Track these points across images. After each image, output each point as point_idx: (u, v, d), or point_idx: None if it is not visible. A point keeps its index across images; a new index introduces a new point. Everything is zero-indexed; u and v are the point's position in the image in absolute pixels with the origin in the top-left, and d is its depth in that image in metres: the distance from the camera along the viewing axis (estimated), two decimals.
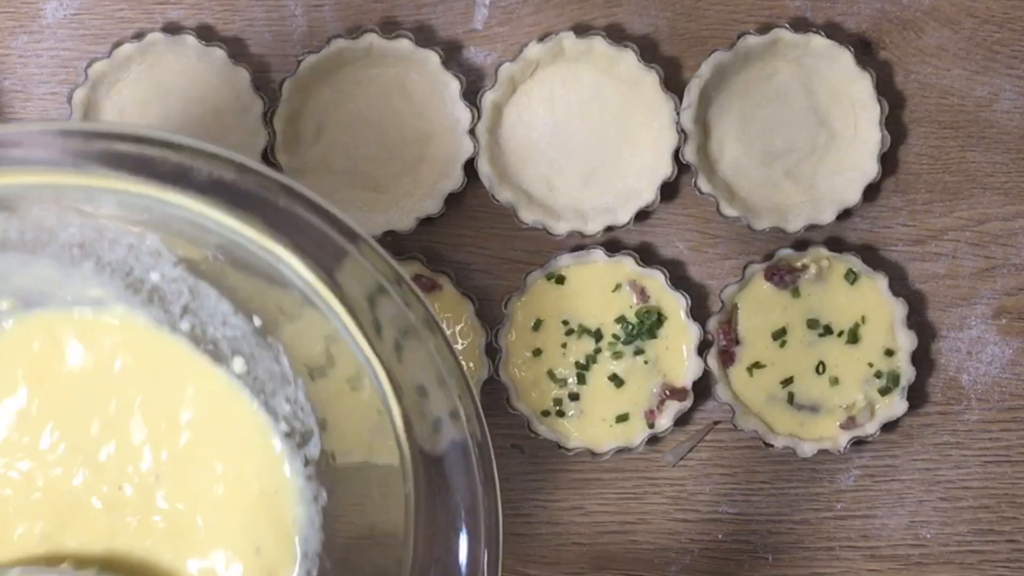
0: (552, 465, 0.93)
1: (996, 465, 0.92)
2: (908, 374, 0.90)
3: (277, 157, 0.89)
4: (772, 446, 0.91)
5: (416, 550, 0.65)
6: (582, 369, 0.90)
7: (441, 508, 0.65)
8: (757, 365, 0.91)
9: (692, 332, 0.90)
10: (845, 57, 0.89)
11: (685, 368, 0.90)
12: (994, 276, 0.92)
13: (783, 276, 0.90)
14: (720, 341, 0.90)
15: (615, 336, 0.90)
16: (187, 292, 0.73)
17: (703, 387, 0.91)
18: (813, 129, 0.90)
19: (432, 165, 0.90)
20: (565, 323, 0.90)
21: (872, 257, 0.91)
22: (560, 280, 0.90)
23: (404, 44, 0.89)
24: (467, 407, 0.66)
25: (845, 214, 0.90)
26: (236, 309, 0.73)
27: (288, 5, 0.91)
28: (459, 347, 0.91)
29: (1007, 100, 0.91)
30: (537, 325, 0.91)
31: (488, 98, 0.89)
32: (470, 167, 0.90)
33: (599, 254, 0.90)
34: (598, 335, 0.90)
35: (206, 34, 0.90)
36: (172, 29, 0.89)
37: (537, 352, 0.91)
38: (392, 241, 0.91)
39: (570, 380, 0.91)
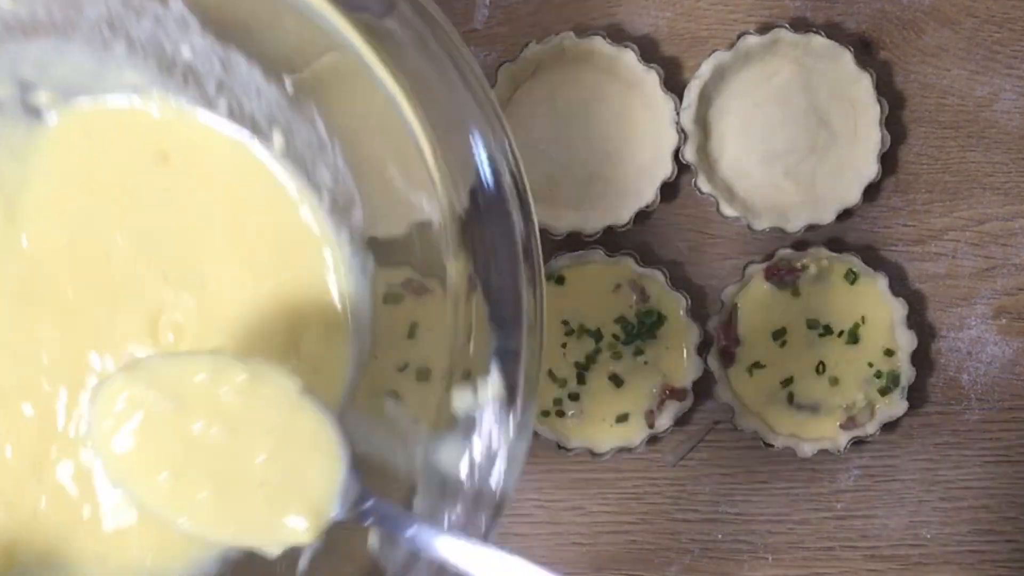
0: (552, 465, 0.93)
1: (996, 465, 0.92)
2: (908, 374, 0.90)
3: None
4: (772, 446, 0.91)
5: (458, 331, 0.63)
6: (582, 369, 0.90)
7: (489, 244, 0.63)
8: (757, 365, 0.91)
9: (692, 332, 0.90)
10: (845, 57, 0.89)
11: (685, 368, 0.90)
12: (994, 276, 0.92)
13: (783, 276, 0.90)
14: (720, 341, 0.90)
15: (615, 336, 0.90)
16: (218, 65, 0.71)
17: (703, 387, 0.91)
18: (813, 129, 0.90)
19: None
20: (565, 323, 0.90)
21: (872, 257, 0.91)
22: (560, 280, 0.90)
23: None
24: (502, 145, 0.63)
25: (845, 214, 0.90)
26: (267, 75, 0.70)
27: None
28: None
29: (1007, 100, 0.91)
30: None
31: None
32: None
33: (599, 254, 0.90)
34: (598, 335, 0.90)
35: None
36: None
37: None
38: None
39: (570, 380, 0.91)
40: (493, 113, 0.64)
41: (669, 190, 0.90)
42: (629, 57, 0.89)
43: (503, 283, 0.63)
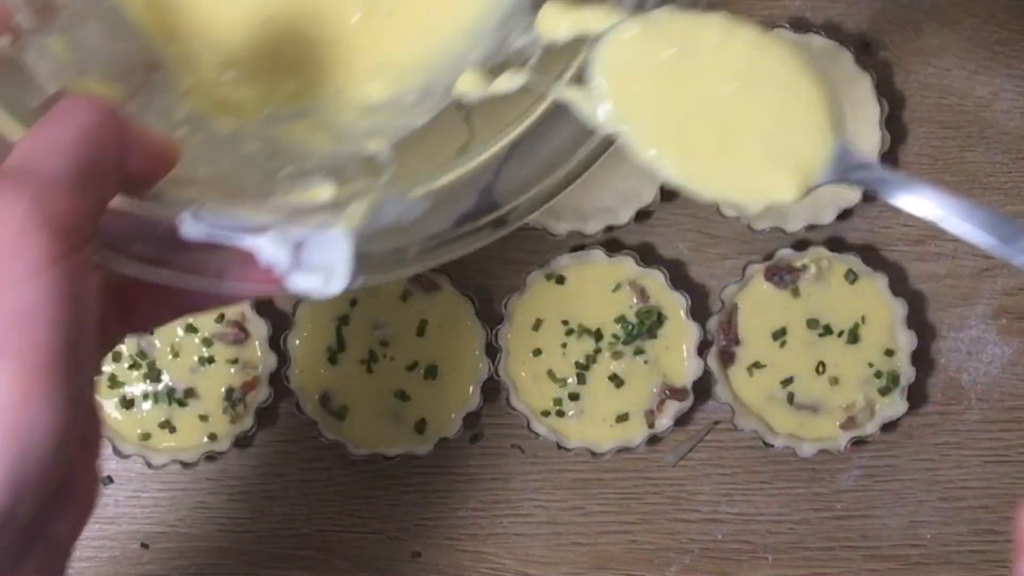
0: (552, 465, 0.93)
1: (996, 465, 0.92)
2: (908, 374, 0.90)
3: None
4: (772, 446, 0.91)
5: None
6: (582, 369, 0.90)
7: None
8: (757, 365, 0.91)
9: (692, 332, 0.90)
10: (845, 57, 0.89)
11: (685, 368, 0.90)
12: (994, 276, 0.92)
13: (783, 276, 0.90)
14: (720, 341, 0.90)
15: (615, 336, 0.90)
16: None
17: (703, 387, 0.91)
18: None
19: None
20: (565, 323, 0.90)
21: (872, 257, 0.91)
22: (560, 280, 0.90)
23: None
24: None
25: (845, 214, 0.90)
26: None
27: None
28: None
29: (1007, 100, 0.91)
30: (537, 325, 0.90)
31: None
32: None
33: (599, 254, 0.90)
34: (598, 335, 0.90)
35: None
36: None
37: (537, 352, 0.91)
38: None
39: (570, 380, 0.91)
40: None
41: (669, 190, 0.90)
42: None
43: None
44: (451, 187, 0.64)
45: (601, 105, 0.61)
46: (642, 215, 0.90)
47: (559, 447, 0.91)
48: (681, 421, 0.91)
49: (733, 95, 0.60)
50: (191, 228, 0.58)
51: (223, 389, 0.90)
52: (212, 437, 0.91)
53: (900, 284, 0.91)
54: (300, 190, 0.63)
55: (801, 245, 0.91)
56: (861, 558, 0.93)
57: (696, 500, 0.93)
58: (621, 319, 0.90)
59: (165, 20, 0.69)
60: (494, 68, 0.66)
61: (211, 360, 0.90)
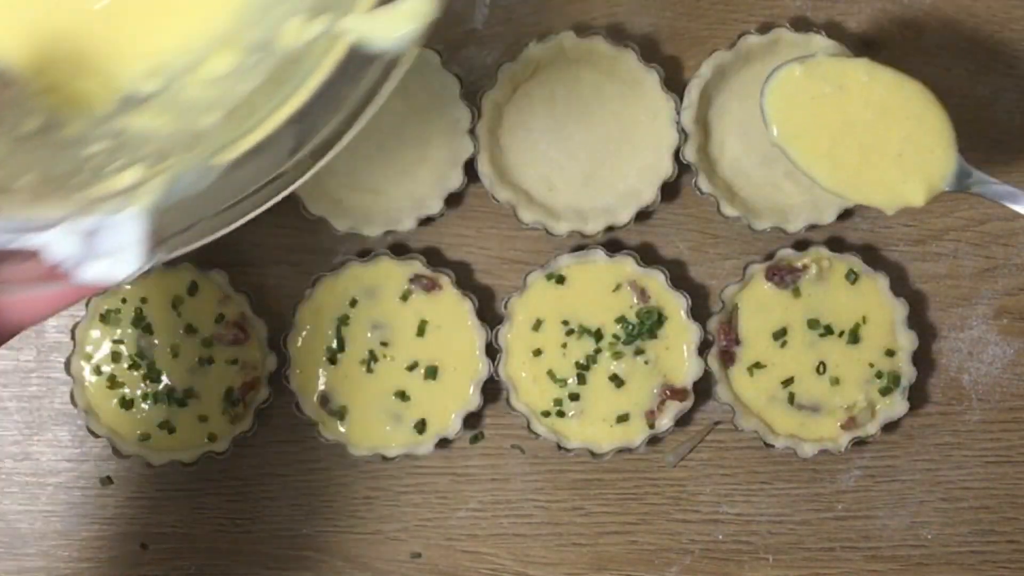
0: (552, 465, 0.93)
1: (997, 465, 0.92)
2: (909, 374, 0.90)
3: None
4: (773, 446, 0.91)
5: None
6: (582, 369, 0.90)
7: None
8: (758, 365, 0.91)
9: (692, 332, 0.90)
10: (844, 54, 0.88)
11: (685, 368, 0.90)
12: (995, 276, 0.92)
13: (784, 276, 0.90)
14: (721, 341, 0.90)
15: (615, 336, 0.90)
16: None
17: (703, 387, 0.91)
18: None
19: (432, 165, 0.90)
20: (565, 323, 0.90)
21: (873, 257, 0.91)
22: (560, 280, 0.90)
23: None
24: None
25: (846, 214, 0.90)
26: None
27: None
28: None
29: (1008, 100, 0.91)
30: (537, 325, 0.90)
31: (488, 98, 0.89)
32: (470, 167, 0.90)
33: (599, 254, 0.90)
34: (598, 335, 0.90)
35: None
36: None
37: (537, 352, 0.91)
38: (392, 241, 0.91)
39: (570, 380, 0.90)
40: None
41: (669, 190, 0.90)
42: (629, 57, 0.89)
43: None
44: (249, 150, 0.65)
45: (772, 127, 0.82)
46: (642, 215, 0.90)
47: (559, 447, 0.91)
48: (681, 421, 0.91)
49: (874, 122, 0.81)
50: None
51: (223, 389, 0.90)
52: (212, 437, 0.91)
53: (901, 284, 0.91)
54: (107, 179, 0.62)
55: (802, 245, 0.90)
56: (862, 559, 0.93)
57: (696, 500, 0.93)
58: (621, 319, 0.90)
59: None
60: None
61: (211, 360, 0.90)
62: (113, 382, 0.90)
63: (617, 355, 0.90)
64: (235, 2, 0.70)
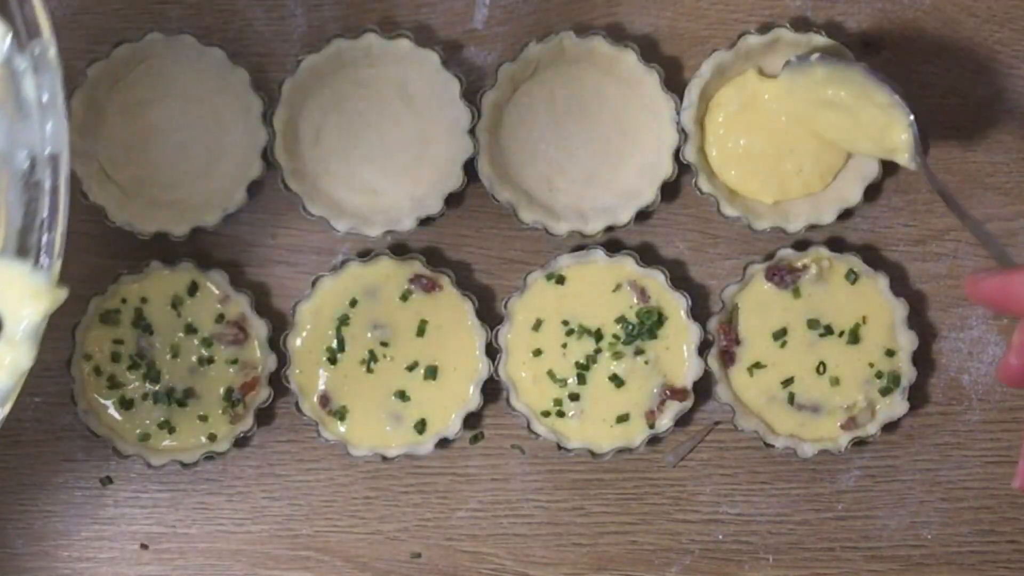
0: (552, 465, 0.93)
1: (997, 466, 0.92)
2: (909, 374, 0.90)
3: (276, 157, 0.89)
4: (773, 446, 0.91)
5: None
6: (582, 369, 0.90)
7: None
8: (758, 365, 0.91)
9: (692, 332, 0.90)
10: (844, 55, 0.88)
11: (685, 368, 0.90)
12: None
13: (784, 276, 0.90)
14: (720, 341, 0.90)
15: (615, 336, 0.90)
16: None
17: (703, 387, 0.91)
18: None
19: (432, 165, 0.90)
20: (565, 323, 0.90)
21: (873, 257, 0.91)
22: (560, 280, 0.90)
23: (404, 44, 0.89)
24: None
25: (846, 214, 0.90)
26: None
27: (288, 5, 0.90)
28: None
29: (1008, 100, 0.91)
30: (537, 325, 0.90)
31: (488, 98, 0.89)
32: (470, 167, 0.90)
33: (599, 254, 0.90)
34: (598, 335, 0.90)
35: (205, 34, 0.90)
36: (171, 29, 0.89)
37: (537, 352, 0.91)
38: (392, 241, 0.91)
39: (570, 380, 0.90)
40: None
41: (669, 190, 0.90)
42: (629, 57, 0.89)
43: None
44: None
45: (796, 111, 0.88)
46: (642, 215, 0.90)
47: (559, 447, 0.91)
48: (681, 421, 0.91)
49: (852, 104, 0.86)
50: None
51: (223, 389, 0.90)
52: (212, 437, 0.91)
53: (901, 284, 0.91)
54: None
55: (802, 245, 0.90)
56: (862, 559, 0.93)
57: (697, 501, 0.93)
58: (621, 319, 0.90)
59: None
60: None
61: (211, 360, 0.90)
62: (113, 382, 0.90)
63: (617, 355, 0.90)
64: None
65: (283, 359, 0.91)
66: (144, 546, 0.93)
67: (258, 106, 0.89)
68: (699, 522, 0.93)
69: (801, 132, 0.89)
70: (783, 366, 0.91)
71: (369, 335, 0.90)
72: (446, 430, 0.91)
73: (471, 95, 0.89)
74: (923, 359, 0.91)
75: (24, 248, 0.64)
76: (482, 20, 0.91)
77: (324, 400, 0.91)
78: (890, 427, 0.91)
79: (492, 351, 0.91)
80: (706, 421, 0.92)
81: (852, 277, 0.90)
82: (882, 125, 0.84)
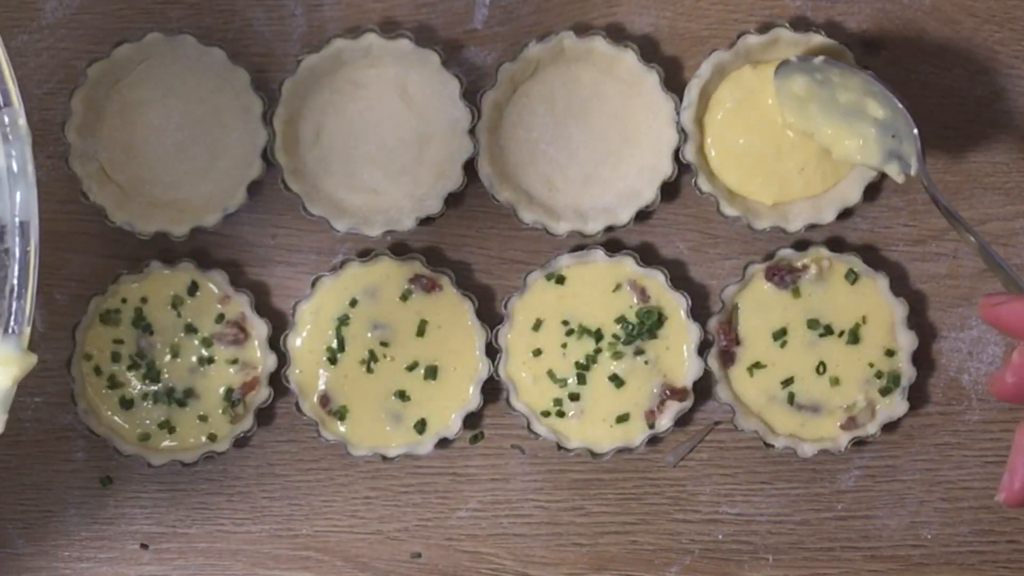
0: (552, 465, 0.93)
1: (997, 466, 0.92)
2: (909, 374, 0.90)
3: (276, 157, 0.89)
4: (772, 446, 0.91)
5: None
6: (582, 369, 0.90)
7: None
8: (757, 365, 0.91)
9: (692, 332, 0.90)
10: (845, 57, 0.88)
11: (685, 368, 0.90)
12: (995, 276, 0.91)
13: (783, 276, 0.90)
14: (720, 341, 0.90)
15: (615, 336, 0.90)
16: None
17: (703, 387, 0.91)
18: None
19: (432, 165, 0.90)
20: (565, 323, 0.90)
21: (873, 257, 0.91)
22: (560, 280, 0.90)
23: (404, 44, 0.89)
24: None
25: (846, 214, 0.90)
26: None
27: (288, 5, 0.90)
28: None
29: (1008, 100, 0.91)
30: (537, 325, 0.90)
31: (488, 98, 0.89)
32: (470, 167, 0.90)
33: (599, 254, 0.90)
34: (598, 335, 0.90)
35: (205, 34, 0.90)
36: (171, 29, 0.89)
37: (537, 352, 0.91)
38: (392, 241, 0.91)
39: (570, 380, 0.90)
40: None
41: (669, 190, 0.90)
42: (629, 57, 0.89)
43: None
44: None
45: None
46: (642, 215, 0.90)
47: (559, 447, 0.91)
48: (681, 421, 0.91)
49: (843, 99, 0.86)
50: None
51: (223, 389, 0.90)
52: (212, 437, 0.91)
53: (901, 284, 0.91)
54: None
55: (802, 245, 0.90)
56: (862, 559, 0.93)
57: (696, 501, 0.93)
58: (621, 319, 0.90)
59: None
60: None
61: (211, 360, 0.90)
62: (113, 382, 0.90)
63: (617, 355, 0.90)
64: None
65: (283, 359, 0.91)
66: (144, 546, 0.93)
67: (258, 106, 0.89)
68: (699, 522, 0.93)
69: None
70: (783, 366, 0.91)
71: (369, 335, 0.90)
72: (446, 430, 0.91)
73: (471, 95, 0.89)
74: (923, 359, 0.91)
75: None
76: (482, 20, 0.91)
77: (324, 400, 0.91)
78: (890, 427, 0.91)
79: (492, 351, 0.91)
80: (706, 421, 0.92)
81: (852, 277, 0.90)
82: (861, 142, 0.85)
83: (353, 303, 0.90)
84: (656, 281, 0.90)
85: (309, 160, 0.90)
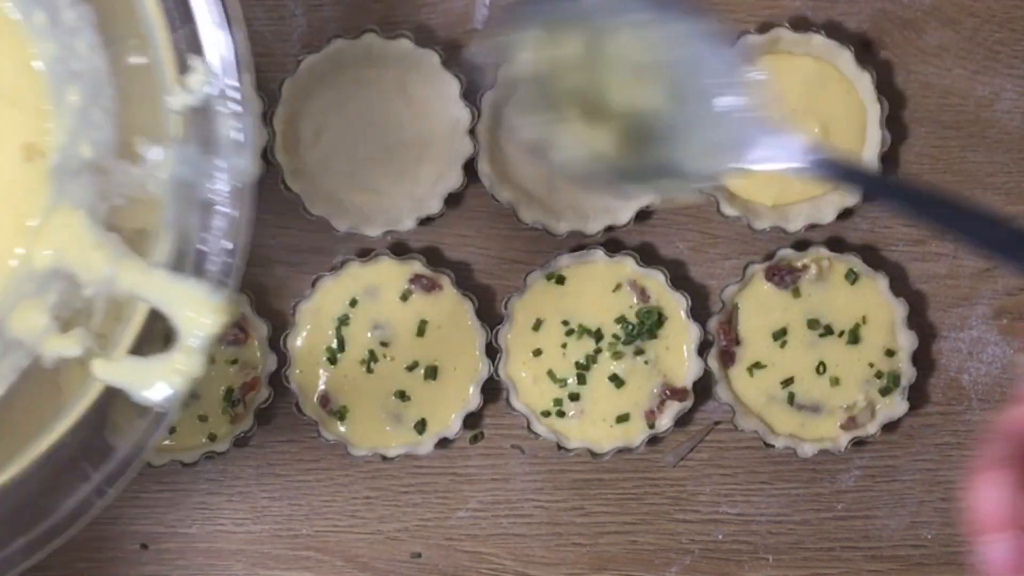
0: (552, 465, 0.93)
1: None
2: (909, 374, 0.90)
3: (276, 157, 0.89)
4: (772, 446, 0.91)
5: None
6: (582, 369, 0.90)
7: None
8: (757, 365, 0.91)
9: (692, 332, 0.90)
10: (845, 57, 0.88)
11: (685, 368, 0.90)
12: (995, 276, 0.91)
13: (783, 276, 0.90)
14: (720, 341, 0.90)
15: (615, 336, 0.90)
16: None
17: (703, 387, 0.91)
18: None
19: (432, 165, 0.90)
20: (565, 323, 0.90)
21: (873, 257, 0.91)
22: (560, 280, 0.90)
23: (404, 44, 0.89)
24: None
25: (846, 214, 0.90)
26: None
27: (288, 5, 0.90)
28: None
29: (1008, 100, 0.91)
30: (537, 325, 0.90)
31: (488, 98, 0.89)
32: (470, 167, 0.90)
33: (599, 254, 0.90)
34: (598, 335, 0.90)
35: None
36: (172, 28, 0.89)
37: (537, 352, 0.91)
38: (392, 241, 0.91)
39: (570, 380, 0.90)
40: None
41: None
42: None
43: None
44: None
45: None
46: (642, 215, 0.90)
47: (559, 447, 0.91)
48: (681, 421, 0.91)
49: None
50: None
51: (223, 389, 0.90)
52: (212, 437, 0.91)
53: (901, 284, 0.91)
54: None
55: (802, 245, 0.90)
56: (862, 559, 0.93)
57: (696, 501, 0.93)
58: (621, 319, 0.90)
59: None
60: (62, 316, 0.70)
61: (211, 360, 0.90)
62: None
63: (617, 355, 0.90)
64: None
65: (283, 359, 0.91)
66: (144, 546, 0.93)
67: (258, 106, 0.89)
68: (699, 522, 0.93)
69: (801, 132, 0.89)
70: (783, 366, 0.91)
71: (369, 335, 0.90)
72: (446, 430, 0.91)
73: (471, 95, 0.89)
74: (923, 359, 0.91)
75: (200, 269, 0.69)
76: (482, 20, 0.91)
77: (324, 400, 0.91)
78: (890, 427, 0.91)
79: (492, 351, 0.91)
80: (706, 421, 0.92)
81: (852, 277, 0.90)
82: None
83: (353, 303, 0.90)
84: (656, 281, 0.90)
85: (309, 160, 0.90)
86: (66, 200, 0.69)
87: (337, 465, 0.93)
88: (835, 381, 0.90)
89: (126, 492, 0.92)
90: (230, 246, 0.69)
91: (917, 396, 0.91)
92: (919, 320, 0.91)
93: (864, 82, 0.88)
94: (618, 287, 0.90)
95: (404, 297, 0.90)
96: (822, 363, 0.90)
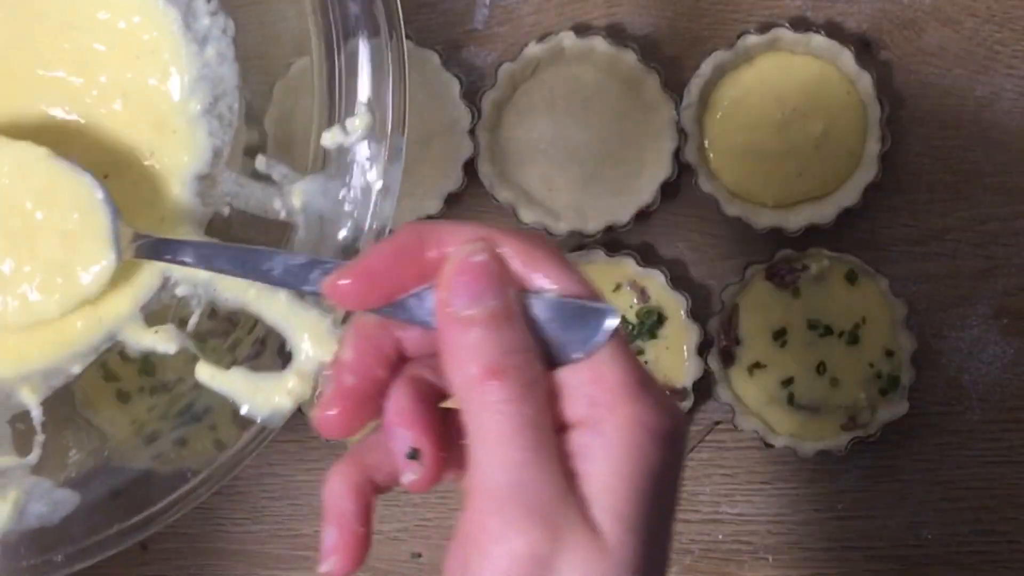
0: None
1: (997, 466, 0.92)
2: (909, 374, 0.90)
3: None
4: (773, 446, 0.91)
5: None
6: None
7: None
8: (757, 365, 0.91)
9: (692, 332, 0.90)
10: (845, 56, 0.88)
11: (685, 368, 0.90)
12: (995, 276, 0.91)
13: (783, 276, 0.90)
14: (720, 341, 0.90)
15: None
16: None
17: (703, 387, 0.91)
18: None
19: (432, 165, 0.90)
20: None
21: (873, 257, 0.91)
22: None
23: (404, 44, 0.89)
24: None
25: (846, 214, 0.90)
26: None
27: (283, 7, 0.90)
28: None
29: (1008, 100, 0.91)
30: None
31: (488, 98, 0.89)
32: (470, 167, 0.90)
33: (599, 254, 0.90)
34: None
35: None
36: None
37: None
38: None
39: None
40: None
41: (669, 190, 0.90)
42: (629, 57, 0.89)
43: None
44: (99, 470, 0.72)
45: None
46: (642, 215, 0.90)
47: None
48: None
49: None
50: None
51: None
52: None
53: (900, 284, 0.91)
54: None
55: (802, 245, 0.90)
56: (862, 558, 0.93)
57: (696, 500, 0.93)
58: (621, 319, 0.90)
59: None
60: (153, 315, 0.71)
61: (211, 360, 0.90)
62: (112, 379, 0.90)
63: None
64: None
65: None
66: (144, 546, 0.93)
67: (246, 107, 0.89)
68: (699, 522, 0.93)
69: (802, 132, 0.89)
70: (783, 366, 0.91)
71: None
72: None
73: (471, 95, 0.89)
74: (923, 359, 0.91)
75: (318, 301, 0.69)
76: (482, 20, 0.91)
77: None
78: (890, 427, 0.91)
79: None
80: (706, 421, 0.92)
81: (852, 277, 0.90)
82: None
83: None
84: (656, 281, 0.90)
85: None
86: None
87: None
88: (835, 381, 0.90)
89: None
90: None
91: (917, 396, 0.91)
92: (919, 320, 0.91)
93: (864, 82, 0.88)
94: (618, 287, 0.90)
95: None
96: (822, 363, 0.90)
